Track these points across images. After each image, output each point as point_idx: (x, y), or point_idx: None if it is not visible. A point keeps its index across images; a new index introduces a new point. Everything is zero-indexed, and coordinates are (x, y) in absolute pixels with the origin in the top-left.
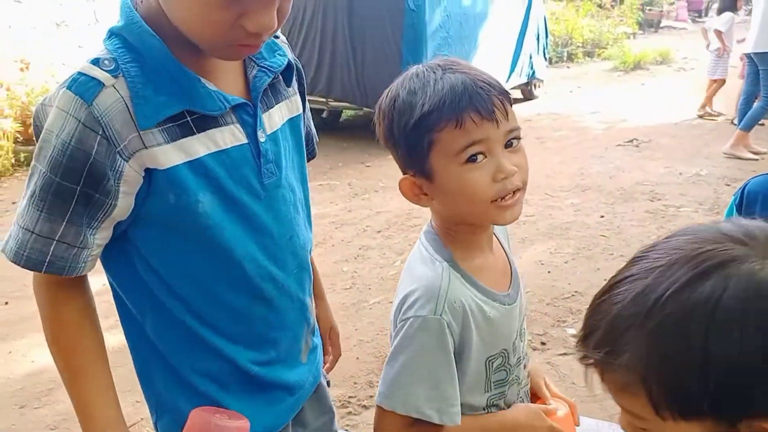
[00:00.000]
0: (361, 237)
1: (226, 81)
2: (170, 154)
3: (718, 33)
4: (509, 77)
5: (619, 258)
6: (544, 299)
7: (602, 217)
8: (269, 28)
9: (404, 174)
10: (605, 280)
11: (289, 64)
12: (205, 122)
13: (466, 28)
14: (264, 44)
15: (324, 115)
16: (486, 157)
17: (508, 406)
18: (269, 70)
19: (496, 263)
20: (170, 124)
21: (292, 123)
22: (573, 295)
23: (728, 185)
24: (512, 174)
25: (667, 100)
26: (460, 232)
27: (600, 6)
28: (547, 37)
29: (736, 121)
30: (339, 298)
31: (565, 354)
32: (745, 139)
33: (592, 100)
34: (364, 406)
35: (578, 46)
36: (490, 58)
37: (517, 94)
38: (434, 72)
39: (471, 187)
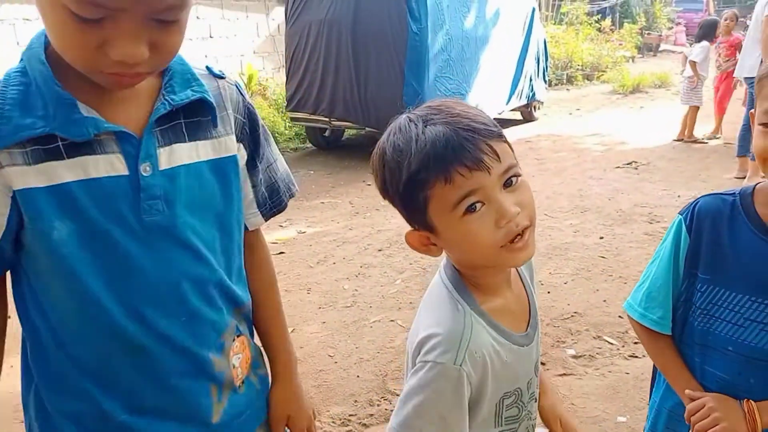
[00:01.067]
0: (362, 255)
1: (126, 111)
2: (28, 176)
3: (693, 63)
4: (509, 99)
5: (618, 279)
6: (544, 320)
7: (601, 238)
8: (136, 59)
9: (408, 228)
10: (604, 301)
11: (207, 102)
12: (78, 149)
13: (468, 51)
14: (179, 77)
15: (327, 134)
16: (484, 204)
17: None
18: (169, 103)
19: (515, 303)
20: (35, 147)
21: (216, 164)
22: (572, 316)
23: None
24: (515, 216)
25: (665, 123)
26: (479, 275)
27: (599, 30)
28: (547, 59)
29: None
30: (340, 315)
31: (564, 375)
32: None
33: (591, 123)
34: (364, 425)
35: (578, 69)
36: (491, 80)
37: (517, 115)
38: (416, 125)
39: (474, 237)
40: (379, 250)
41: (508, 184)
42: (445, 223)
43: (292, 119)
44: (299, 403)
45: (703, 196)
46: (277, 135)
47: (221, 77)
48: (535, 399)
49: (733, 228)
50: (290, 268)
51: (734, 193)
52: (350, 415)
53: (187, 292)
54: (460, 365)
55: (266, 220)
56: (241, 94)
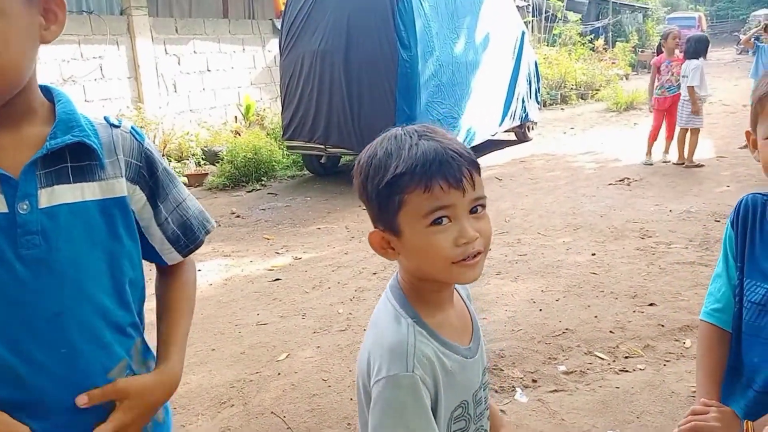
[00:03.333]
0: (357, 279)
1: (8, 156)
2: None
3: (692, 90)
4: (502, 121)
5: (609, 295)
6: (536, 337)
7: (593, 255)
8: None
9: (374, 227)
10: (596, 317)
11: (91, 147)
12: None
13: (458, 76)
14: (63, 124)
15: (322, 161)
16: (450, 221)
17: None
18: (46, 147)
19: (456, 319)
20: None
21: (103, 204)
22: (564, 333)
23: (718, 221)
24: (474, 239)
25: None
26: (424, 289)
27: (593, 50)
28: (539, 81)
29: None
30: (334, 339)
31: (555, 391)
32: None
33: (585, 141)
34: None
35: (572, 89)
36: (483, 103)
37: (511, 136)
38: (410, 137)
39: (434, 247)
40: (374, 274)
41: (474, 211)
42: (411, 228)
43: (289, 148)
44: (146, 399)
45: (746, 195)
46: (274, 163)
47: (117, 126)
48: (486, 417)
49: (762, 222)
50: (286, 294)
51: None
52: None
53: (68, 324)
54: (412, 371)
55: (184, 257)
56: (137, 140)
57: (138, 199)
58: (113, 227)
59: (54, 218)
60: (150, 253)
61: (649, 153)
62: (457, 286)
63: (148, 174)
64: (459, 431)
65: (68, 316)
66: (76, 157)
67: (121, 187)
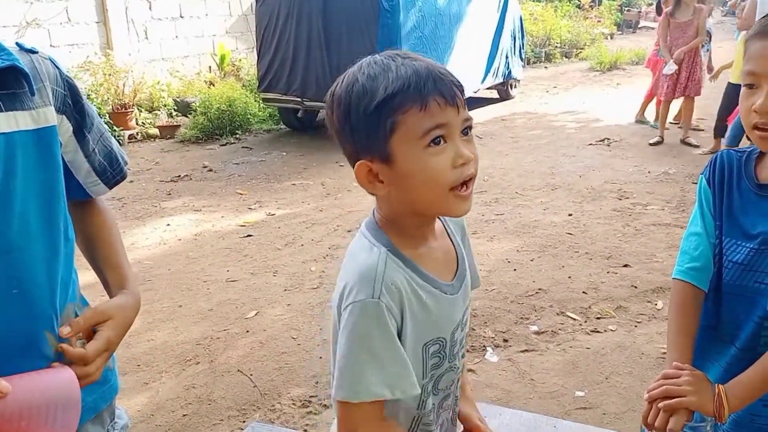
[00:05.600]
0: (331, 236)
1: None
2: None
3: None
4: (485, 77)
5: (584, 256)
6: (509, 297)
7: (570, 215)
8: None
9: (357, 161)
10: (569, 277)
11: (20, 71)
12: None
13: (441, 29)
14: None
15: (299, 114)
16: (446, 142)
17: (442, 391)
18: None
19: (439, 254)
20: None
21: (36, 135)
22: (536, 293)
23: (695, 183)
24: (470, 159)
25: (641, 100)
26: (406, 224)
27: (579, 7)
28: (523, 37)
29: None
30: (305, 297)
31: (526, 351)
32: None
33: (567, 100)
34: (325, 405)
35: (556, 47)
36: (466, 58)
37: (493, 93)
38: (393, 60)
39: (432, 170)
40: (349, 231)
41: (464, 133)
42: (406, 151)
43: (264, 100)
44: (118, 319)
45: (720, 151)
46: (249, 116)
47: (34, 52)
48: (462, 355)
49: (739, 180)
50: (257, 251)
51: (745, 150)
52: (311, 396)
53: (18, 262)
54: (378, 298)
55: (110, 188)
56: (57, 67)
57: (65, 129)
58: (50, 158)
59: None
60: (71, 189)
61: (642, 114)
62: (448, 221)
63: (73, 103)
64: (434, 366)
65: (17, 253)
66: (2, 85)
67: (52, 115)
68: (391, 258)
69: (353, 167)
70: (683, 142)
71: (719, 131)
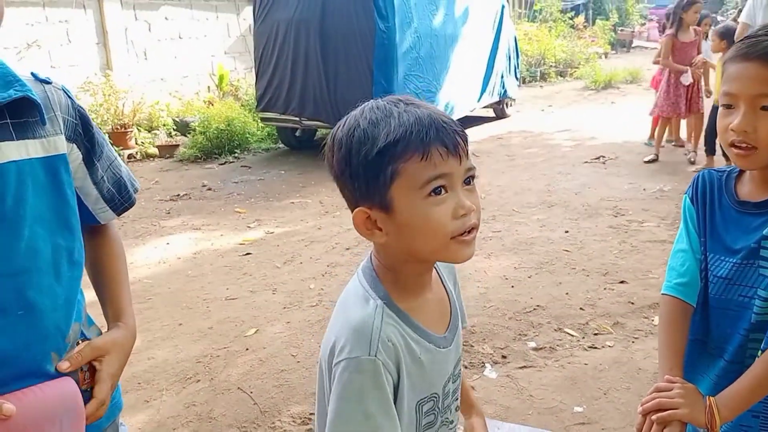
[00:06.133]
0: (329, 254)
1: None
2: None
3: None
4: (481, 96)
5: (580, 272)
6: (507, 313)
7: (566, 232)
8: None
9: (356, 207)
10: (567, 293)
11: (33, 102)
12: None
13: (437, 49)
14: (1, 79)
15: (298, 133)
16: (447, 192)
17: None
18: None
19: (434, 305)
20: None
21: (46, 162)
22: (534, 309)
23: None
24: (471, 210)
25: (635, 118)
26: (404, 272)
27: (573, 27)
28: (518, 57)
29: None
30: (305, 315)
31: (525, 367)
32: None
33: (562, 119)
34: None
35: (551, 66)
36: (462, 78)
37: (489, 112)
38: (396, 105)
39: (433, 220)
40: (347, 249)
41: (467, 182)
42: (406, 200)
43: (263, 120)
44: (117, 355)
45: (702, 171)
46: (248, 136)
47: (48, 82)
48: (456, 408)
49: (720, 197)
50: (257, 269)
51: (725, 170)
52: (311, 414)
53: (24, 285)
54: (375, 355)
55: (118, 215)
56: (69, 97)
57: (75, 157)
58: (59, 185)
59: (3, 176)
60: (81, 215)
61: (653, 136)
62: (441, 269)
63: (83, 132)
64: (428, 424)
65: (24, 276)
66: (15, 114)
67: (62, 144)
68: (387, 312)
69: (351, 212)
70: (690, 161)
71: (710, 149)
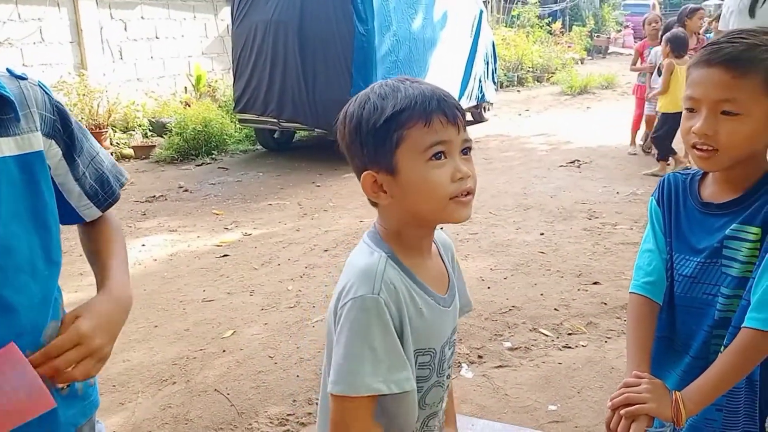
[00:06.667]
0: (308, 256)
1: None
2: None
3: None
4: (459, 100)
5: (555, 273)
6: (483, 314)
7: (542, 234)
8: None
9: (364, 172)
10: (542, 294)
11: (6, 99)
12: None
13: (416, 53)
14: None
15: (276, 135)
16: (446, 158)
17: (429, 407)
18: None
19: (434, 270)
20: None
21: (20, 160)
22: (510, 310)
23: None
24: (468, 175)
25: (609, 123)
26: (407, 234)
27: (550, 33)
28: (496, 61)
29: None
30: (282, 316)
31: (500, 366)
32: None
33: (539, 123)
34: (302, 423)
35: (528, 71)
36: (440, 82)
37: (467, 116)
38: (403, 83)
39: (433, 182)
40: (325, 251)
41: (464, 153)
42: (410, 164)
43: (241, 121)
44: (95, 318)
45: (667, 174)
46: (226, 137)
47: (23, 78)
48: (448, 375)
49: (686, 199)
50: (234, 271)
51: (689, 173)
52: (288, 415)
53: (0, 283)
54: (378, 294)
55: (103, 211)
56: (46, 92)
57: (54, 154)
58: (34, 183)
59: None
60: (66, 213)
61: (633, 143)
62: (439, 244)
63: (62, 127)
64: (421, 378)
65: (0, 275)
66: None
67: (37, 141)
68: (390, 263)
69: (359, 179)
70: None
71: (661, 155)
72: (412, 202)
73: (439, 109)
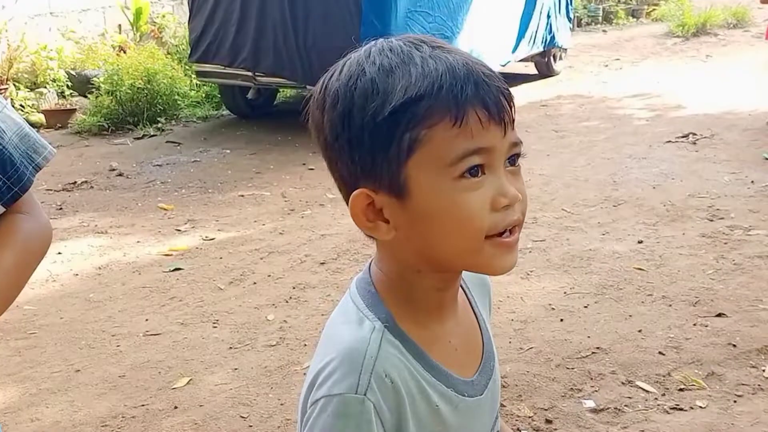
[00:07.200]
0: (296, 271)
1: None
2: None
3: None
4: (517, 45)
5: (660, 300)
6: (553, 359)
7: (640, 242)
8: None
9: (354, 189)
10: (640, 331)
11: None
12: None
13: None
14: None
15: (250, 95)
16: (485, 174)
17: None
18: None
19: (459, 337)
20: None
21: None
22: (593, 353)
23: None
24: (515, 200)
25: (739, 79)
26: (417, 286)
27: None
28: None
29: None
30: (259, 359)
31: None
32: None
33: (635, 79)
34: None
35: (619, 3)
36: (490, 18)
37: (529, 68)
38: (418, 48)
39: (465, 211)
40: (322, 264)
41: (511, 162)
42: (429, 182)
43: (199, 75)
44: None
45: None
46: (178, 98)
47: None
48: None
49: None
50: (190, 292)
51: None
52: None
53: None
54: (364, 394)
55: (6, 206)
56: None
57: None
58: None
59: None
60: None
61: None
62: (470, 286)
63: None
64: None
65: None
66: None
67: None
68: (387, 339)
69: (346, 198)
70: None
71: None
72: (429, 239)
73: (477, 97)
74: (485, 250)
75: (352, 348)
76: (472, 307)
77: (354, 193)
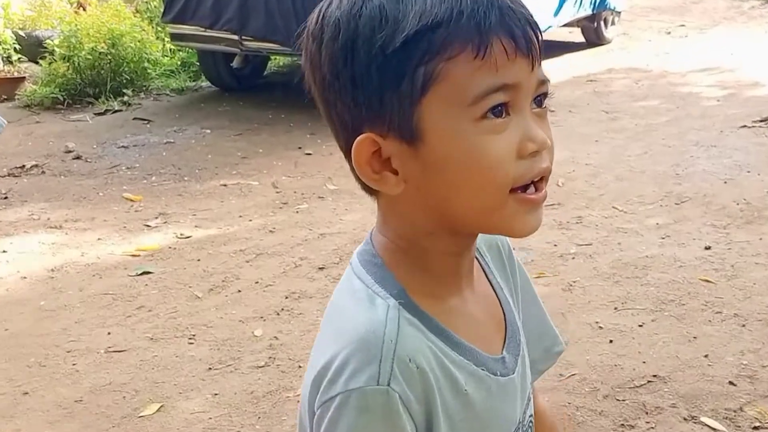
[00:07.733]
0: (289, 277)
1: None
2: None
3: None
4: (560, 7)
5: (731, 319)
6: (600, 388)
7: (707, 248)
8: None
9: (358, 134)
10: (706, 356)
11: None
12: None
13: None
14: None
15: (235, 63)
16: (510, 114)
17: None
18: None
19: (479, 307)
20: None
21: None
22: (649, 382)
23: None
24: (544, 146)
25: None
26: (430, 251)
27: None
28: None
29: None
30: (244, 382)
31: None
32: None
33: (703, 50)
34: None
35: None
36: None
37: (575, 35)
38: None
39: (488, 157)
40: (321, 269)
41: (538, 103)
42: (445, 123)
43: (174, 38)
44: None
45: None
46: (148, 66)
47: None
48: None
49: None
50: (160, 300)
51: None
52: None
53: None
54: (388, 384)
55: None
56: None
57: None
58: None
59: None
60: None
61: None
62: (485, 250)
63: None
64: None
65: None
66: None
67: None
68: (405, 316)
69: (346, 148)
70: None
71: None
72: (445, 192)
73: (502, 25)
74: (509, 206)
75: (366, 332)
76: (486, 275)
77: (358, 138)
